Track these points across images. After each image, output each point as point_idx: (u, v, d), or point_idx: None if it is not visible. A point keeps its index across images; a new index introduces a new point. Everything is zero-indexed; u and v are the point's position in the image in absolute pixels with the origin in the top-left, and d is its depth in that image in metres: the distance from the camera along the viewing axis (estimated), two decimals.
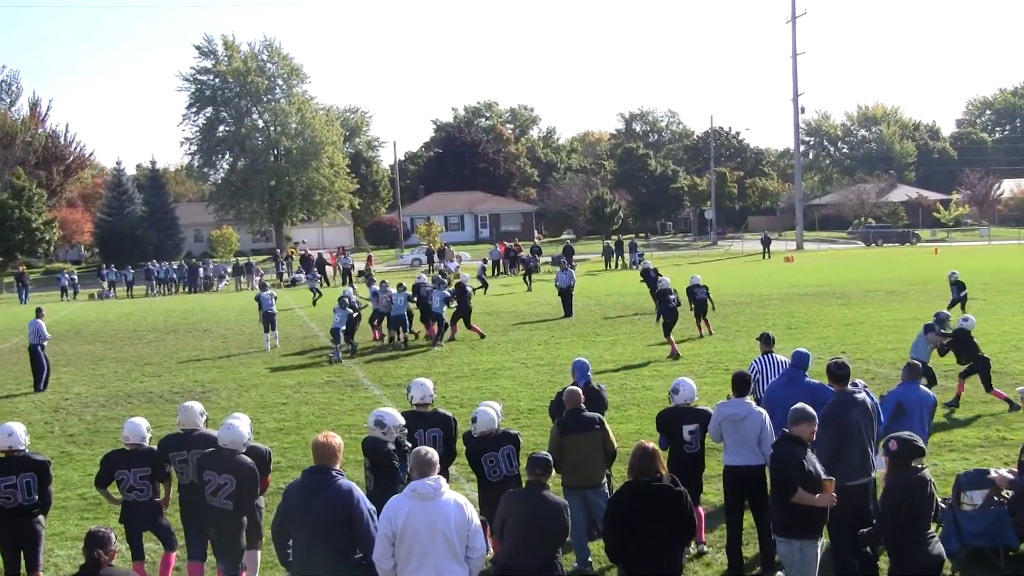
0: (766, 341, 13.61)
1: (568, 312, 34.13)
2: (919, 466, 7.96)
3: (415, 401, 10.62)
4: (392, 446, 9.37)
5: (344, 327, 27.01)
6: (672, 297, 26.18)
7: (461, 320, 29.58)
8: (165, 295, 58.30)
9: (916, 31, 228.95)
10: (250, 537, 9.57)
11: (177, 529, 10.28)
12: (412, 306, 29.50)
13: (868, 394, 10.29)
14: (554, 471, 8.69)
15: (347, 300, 28.30)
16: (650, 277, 33.67)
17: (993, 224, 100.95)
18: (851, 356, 21.86)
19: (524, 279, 49.16)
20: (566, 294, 34.47)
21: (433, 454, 7.38)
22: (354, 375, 23.35)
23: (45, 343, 23.78)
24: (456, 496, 7.23)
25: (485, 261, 58.54)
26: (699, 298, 27.94)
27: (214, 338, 32.28)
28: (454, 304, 29.63)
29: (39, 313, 24.41)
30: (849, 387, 10.09)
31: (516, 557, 7.87)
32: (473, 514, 7.24)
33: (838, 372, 10.16)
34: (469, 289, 31.07)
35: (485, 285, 42.10)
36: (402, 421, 9.61)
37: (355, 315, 28.39)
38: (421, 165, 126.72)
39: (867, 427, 9.88)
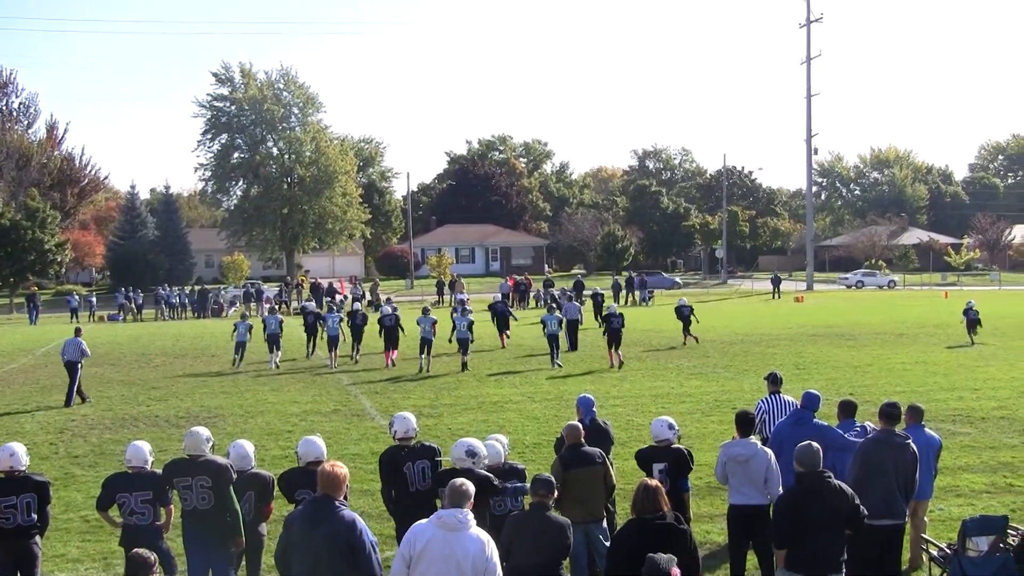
0: (773, 381, 13.54)
1: (573, 345, 34.08)
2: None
3: (399, 435, 10.49)
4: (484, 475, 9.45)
5: (279, 332, 31.29)
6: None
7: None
8: (175, 320, 58.38)
9: (930, 75, 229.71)
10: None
11: (178, 554, 10.24)
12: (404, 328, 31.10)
13: (927, 437, 10.72)
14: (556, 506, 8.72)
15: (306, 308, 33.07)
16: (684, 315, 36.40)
17: (1004, 269, 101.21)
18: (859, 398, 21.72)
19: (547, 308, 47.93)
20: (572, 326, 34.39)
21: (469, 486, 7.39)
22: (361, 405, 23.30)
23: (83, 361, 25.03)
24: (481, 533, 7.21)
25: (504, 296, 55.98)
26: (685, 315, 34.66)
27: (222, 364, 32.28)
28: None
29: (78, 332, 25.80)
30: (898, 431, 10.27)
31: None
32: (494, 553, 7.20)
33: (888, 411, 10.38)
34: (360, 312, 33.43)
35: (504, 317, 39.70)
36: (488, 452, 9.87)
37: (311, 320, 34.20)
38: (434, 196, 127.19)
39: (901, 472, 9.97)
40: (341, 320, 32.91)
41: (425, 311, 31.10)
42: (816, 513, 8.47)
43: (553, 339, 30.57)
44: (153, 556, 7.32)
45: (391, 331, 30.79)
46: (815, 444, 8.76)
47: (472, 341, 30.82)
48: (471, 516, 7.23)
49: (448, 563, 7.03)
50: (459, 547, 7.06)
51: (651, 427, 10.84)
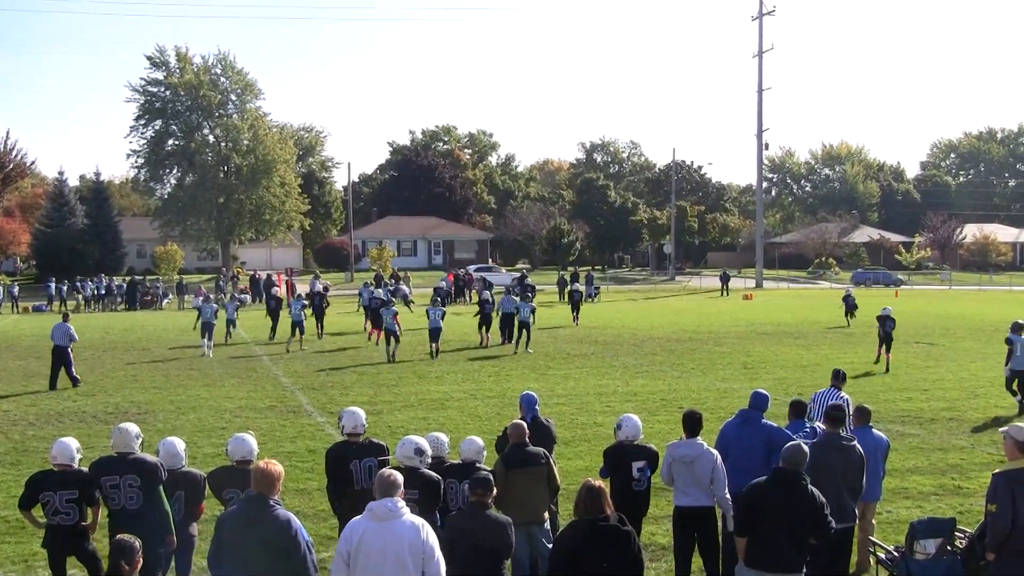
0: (836, 376, 14.28)
1: (508, 339, 34.66)
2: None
3: (347, 430, 10.55)
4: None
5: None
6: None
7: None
8: (102, 311, 57.53)
9: (883, 71, 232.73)
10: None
11: (104, 556, 10.10)
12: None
13: (875, 438, 10.93)
14: (497, 506, 8.74)
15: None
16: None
17: (955, 269, 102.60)
18: (807, 399, 21.97)
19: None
20: (507, 320, 34.90)
21: (397, 476, 7.44)
22: (297, 401, 23.17)
23: (71, 345, 26.20)
24: (415, 519, 7.25)
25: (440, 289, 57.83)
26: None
27: (153, 358, 31.95)
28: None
29: (66, 318, 27.13)
30: (843, 433, 10.40)
31: None
32: (430, 536, 7.24)
33: (833, 414, 10.51)
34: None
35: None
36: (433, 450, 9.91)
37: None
38: (375, 188, 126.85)
39: (849, 475, 10.14)
40: (304, 307, 35.65)
41: (435, 301, 35.55)
42: (778, 508, 8.54)
43: (524, 326, 33.19)
44: (138, 541, 7.32)
45: (486, 318, 35.71)
46: (805, 447, 8.85)
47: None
48: (402, 504, 7.27)
49: (384, 554, 7.08)
50: (392, 537, 7.10)
51: (622, 423, 10.81)
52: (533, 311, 34.28)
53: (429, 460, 9.63)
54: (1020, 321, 22.27)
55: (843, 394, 13.74)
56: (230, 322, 36.88)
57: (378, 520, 7.16)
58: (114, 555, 7.19)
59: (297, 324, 34.28)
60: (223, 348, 34.15)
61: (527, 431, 10.43)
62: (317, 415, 21.18)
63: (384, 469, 7.67)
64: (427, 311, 32.96)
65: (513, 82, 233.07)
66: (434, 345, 31.68)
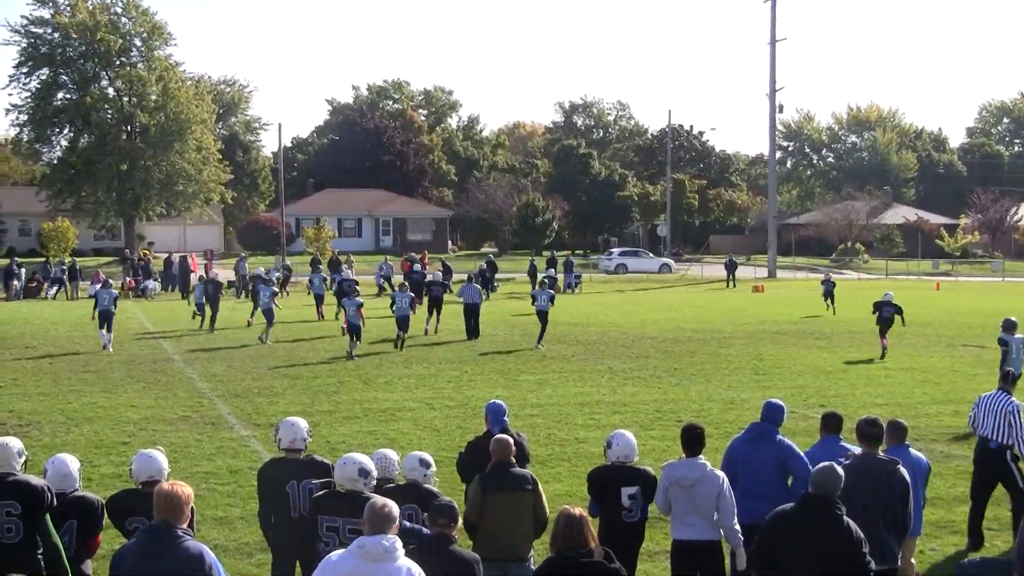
0: (1005, 379, 14.43)
1: (472, 332, 35.77)
2: None
3: (283, 445, 10.52)
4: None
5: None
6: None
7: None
8: None
9: (922, 20, 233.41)
10: None
11: None
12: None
13: (913, 460, 10.79)
14: (470, 536, 8.68)
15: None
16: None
17: (1008, 257, 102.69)
18: (835, 409, 22.02)
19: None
20: (470, 309, 35.76)
21: (392, 508, 7.36)
22: (216, 410, 23.08)
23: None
24: (412, 564, 7.21)
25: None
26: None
27: (38, 358, 31.73)
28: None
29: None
30: (881, 454, 10.35)
31: None
32: None
33: (868, 430, 10.47)
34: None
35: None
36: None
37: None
38: (312, 155, 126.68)
39: (885, 505, 10.03)
40: (275, 294, 38.74)
41: (403, 287, 38.21)
42: (805, 543, 8.50)
43: (542, 316, 34.87)
44: None
45: (436, 300, 38.27)
46: (839, 468, 8.83)
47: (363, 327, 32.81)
48: (399, 543, 7.20)
49: None
50: None
51: (613, 441, 10.78)
52: (551, 299, 35.71)
53: (374, 483, 9.56)
54: (1012, 318, 22.68)
55: (1016, 400, 13.84)
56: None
57: (371, 560, 7.07)
58: None
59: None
60: (128, 344, 33.98)
61: (513, 447, 10.35)
62: (241, 428, 21.10)
63: (377, 498, 7.57)
64: (392, 296, 35.75)
65: (477, 29, 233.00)
66: (402, 335, 33.81)
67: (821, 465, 8.92)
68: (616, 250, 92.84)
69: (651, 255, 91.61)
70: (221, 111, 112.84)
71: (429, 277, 40.70)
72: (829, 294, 47.21)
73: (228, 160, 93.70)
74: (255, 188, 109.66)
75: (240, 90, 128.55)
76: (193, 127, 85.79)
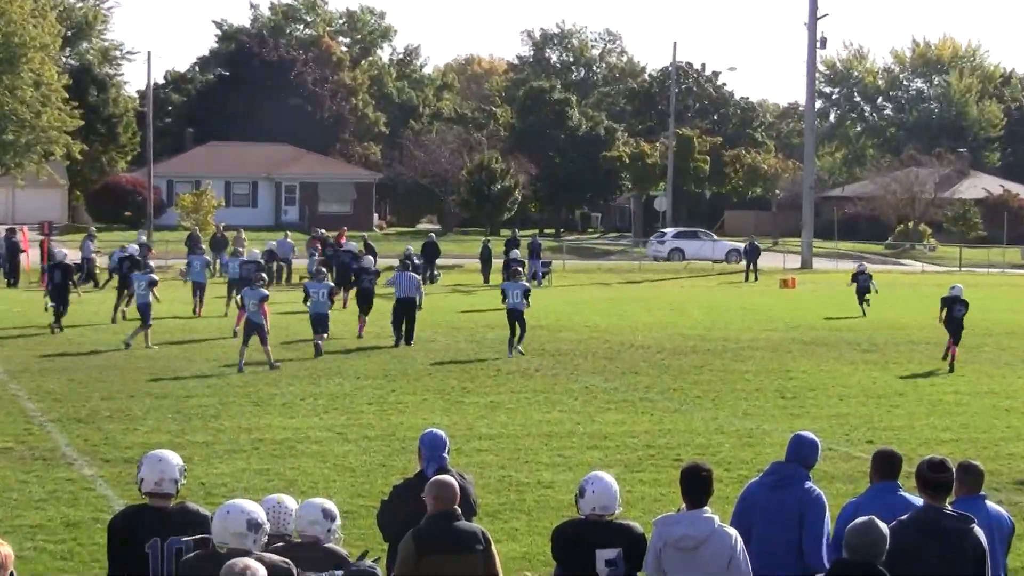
0: None
1: (404, 337, 35.83)
2: None
3: (146, 488, 10.27)
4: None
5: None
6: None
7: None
8: None
9: None
10: None
11: None
12: None
13: (992, 515, 10.65)
14: None
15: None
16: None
17: None
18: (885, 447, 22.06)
19: None
20: (405, 306, 35.82)
21: (260, 570, 7.37)
22: (50, 440, 22.92)
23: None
24: None
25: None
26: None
27: None
28: None
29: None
30: (949, 508, 10.15)
31: None
32: None
33: (932, 476, 10.21)
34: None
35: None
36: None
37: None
38: (193, 95, 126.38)
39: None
40: (154, 283, 37.42)
41: (320, 274, 37.06)
42: None
43: (515, 315, 35.34)
44: None
45: (367, 293, 38.93)
46: (879, 524, 8.72)
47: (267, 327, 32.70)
48: None
49: None
50: None
51: (588, 488, 10.58)
52: (527, 293, 35.79)
53: (265, 539, 9.38)
54: None
55: None
56: None
57: None
58: None
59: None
60: None
61: (458, 493, 10.23)
62: (83, 464, 20.97)
63: (237, 560, 7.59)
64: (306, 287, 35.88)
65: None
66: (319, 340, 34.11)
67: (858, 520, 8.83)
68: (670, 230, 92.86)
69: (715, 236, 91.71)
70: (70, 34, 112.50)
71: (365, 262, 40.10)
72: (865, 290, 48.70)
73: (77, 100, 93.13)
74: (113, 139, 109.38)
75: (96, 8, 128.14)
76: (30, 55, 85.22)
